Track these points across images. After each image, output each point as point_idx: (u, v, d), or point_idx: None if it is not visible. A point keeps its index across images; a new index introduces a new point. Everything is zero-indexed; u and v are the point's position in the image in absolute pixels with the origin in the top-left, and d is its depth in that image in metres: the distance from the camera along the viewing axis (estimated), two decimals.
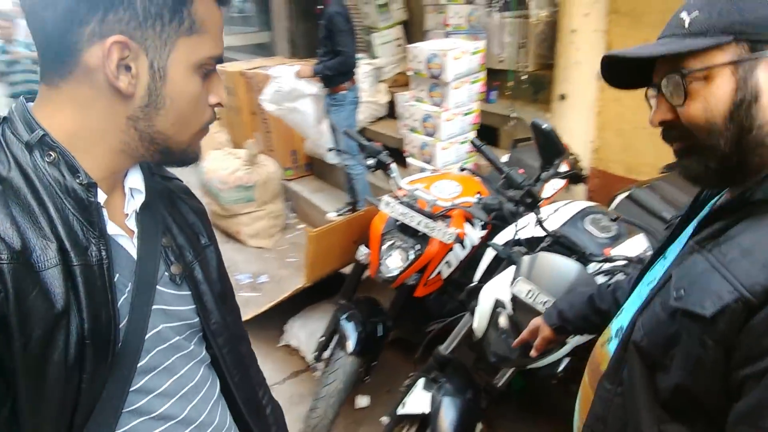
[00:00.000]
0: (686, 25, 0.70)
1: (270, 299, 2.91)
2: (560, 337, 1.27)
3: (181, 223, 0.82)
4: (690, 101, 0.70)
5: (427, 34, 4.27)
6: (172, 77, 0.64)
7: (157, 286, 0.72)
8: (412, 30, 4.93)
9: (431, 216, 1.99)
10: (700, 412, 0.70)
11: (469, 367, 1.96)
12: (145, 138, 0.66)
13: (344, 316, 2.23)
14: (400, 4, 4.71)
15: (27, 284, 0.55)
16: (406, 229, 2.06)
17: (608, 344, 0.93)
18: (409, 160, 3.45)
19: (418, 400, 1.79)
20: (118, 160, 0.68)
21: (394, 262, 2.07)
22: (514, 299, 1.48)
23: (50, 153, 0.61)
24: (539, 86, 3.69)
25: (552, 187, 2.58)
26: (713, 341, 0.65)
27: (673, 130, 0.75)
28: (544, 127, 1.43)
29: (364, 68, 4.32)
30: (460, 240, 2.05)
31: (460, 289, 2.38)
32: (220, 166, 4.10)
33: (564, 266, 1.48)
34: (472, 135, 3.36)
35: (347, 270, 2.92)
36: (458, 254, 2.19)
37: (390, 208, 1.98)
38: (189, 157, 0.72)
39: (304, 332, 2.85)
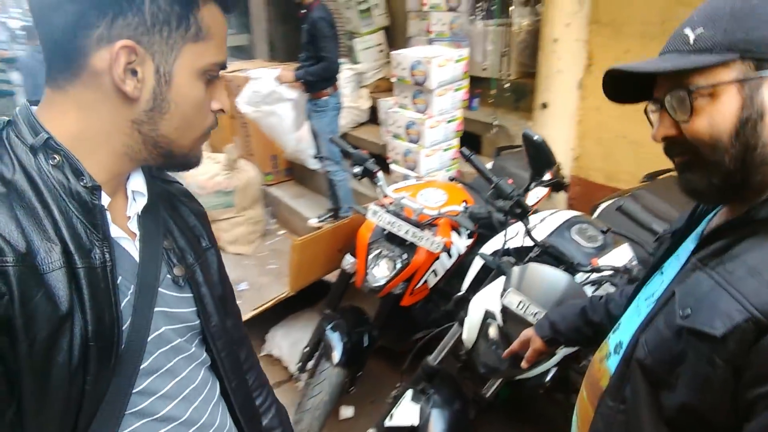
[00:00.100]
0: (691, 41, 0.70)
1: (250, 307, 2.84)
2: (551, 348, 1.27)
3: (182, 226, 0.82)
4: (695, 117, 0.70)
5: (409, 41, 4.28)
6: (178, 82, 0.65)
7: (159, 289, 0.72)
8: (394, 36, 4.94)
9: (418, 225, 1.97)
10: (707, 431, 0.70)
11: (457, 378, 1.95)
12: (149, 141, 0.67)
13: (329, 326, 2.19)
14: (382, 10, 4.71)
15: (31, 286, 0.55)
16: (393, 238, 2.04)
17: (607, 360, 0.93)
18: (392, 166, 3.43)
19: (406, 412, 1.77)
20: (121, 164, 0.68)
21: (381, 272, 2.05)
22: (505, 310, 1.47)
23: (54, 156, 0.62)
24: (521, 94, 3.73)
25: (535, 195, 2.60)
26: (722, 361, 0.65)
27: (676, 145, 0.75)
28: (535, 138, 1.43)
29: (345, 73, 4.30)
30: (447, 249, 2.04)
31: (446, 298, 2.37)
32: (198, 171, 3.98)
33: (554, 277, 1.48)
34: (456, 142, 3.36)
35: (330, 277, 2.89)
36: (445, 263, 2.18)
37: (377, 217, 1.95)
38: (191, 161, 0.73)
39: (287, 342, 2.80)
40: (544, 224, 1.88)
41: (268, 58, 5.79)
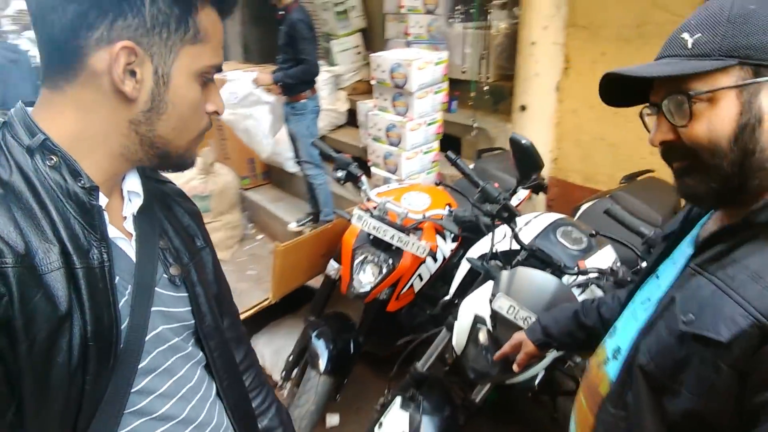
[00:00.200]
0: (689, 46, 0.70)
1: None
2: (543, 352, 1.27)
3: (177, 226, 0.83)
4: (694, 122, 0.70)
5: (387, 43, 4.27)
6: (175, 84, 0.65)
7: (156, 288, 0.73)
8: (371, 38, 4.92)
9: (403, 229, 1.96)
10: None
11: (445, 383, 1.94)
12: (146, 142, 0.67)
13: (314, 333, 2.16)
14: (358, 12, 4.69)
15: (31, 287, 0.56)
16: (378, 243, 2.02)
17: (605, 366, 0.92)
18: (373, 169, 3.41)
19: (396, 420, 1.75)
20: (117, 164, 0.68)
21: (366, 277, 2.02)
22: (495, 315, 1.47)
23: (51, 157, 0.62)
24: (499, 97, 3.76)
25: (517, 197, 2.61)
26: (727, 366, 0.65)
27: (674, 150, 0.75)
28: (523, 142, 1.43)
29: (323, 76, 4.25)
30: (432, 253, 2.03)
31: (431, 302, 2.36)
32: (173, 175, 3.89)
33: (543, 281, 1.48)
34: (436, 145, 3.37)
35: (313, 283, 2.85)
36: (430, 267, 2.17)
37: (362, 222, 1.93)
38: (186, 162, 0.74)
39: (269, 349, 2.75)
40: (529, 227, 1.88)
41: (243, 60, 5.71)
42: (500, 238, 1.69)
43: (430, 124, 3.23)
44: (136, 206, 0.74)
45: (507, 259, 1.69)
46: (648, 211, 2.18)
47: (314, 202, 3.76)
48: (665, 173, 2.80)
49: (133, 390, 0.68)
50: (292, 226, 3.90)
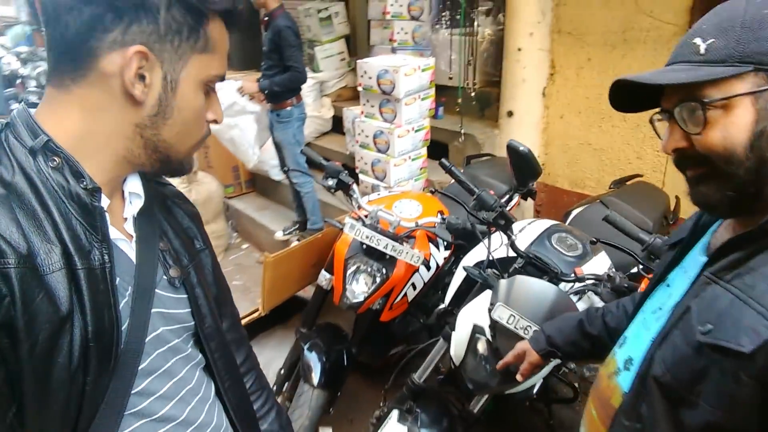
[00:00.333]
0: (701, 52, 0.68)
1: None
2: (547, 361, 1.26)
3: (177, 228, 0.83)
4: (708, 130, 0.68)
5: (372, 49, 4.25)
6: (182, 90, 0.67)
7: (156, 290, 0.73)
8: (355, 44, 4.90)
9: (396, 238, 1.93)
10: None
11: (442, 394, 1.91)
12: (150, 146, 0.68)
13: (306, 345, 2.11)
14: (342, 18, 4.66)
15: (33, 288, 0.56)
16: (371, 253, 1.98)
17: (616, 377, 0.90)
18: (361, 177, 3.38)
19: None
20: (120, 167, 0.69)
21: (360, 288, 1.99)
22: (494, 325, 1.45)
23: (54, 158, 0.62)
24: (485, 103, 3.77)
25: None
26: (749, 377, 0.63)
27: (688, 158, 0.73)
28: (521, 149, 1.42)
29: (307, 82, 4.21)
30: (425, 262, 2.01)
31: (424, 311, 2.34)
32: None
33: (542, 289, 1.47)
34: (424, 151, 3.35)
35: (303, 293, 2.80)
36: (423, 276, 2.14)
37: (355, 231, 1.89)
38: (184, 167, 0.75)
39: (259, 362, 2.68)
40: (524, 234, 1.87)
41: None
42: (496, 246, 1.67)
43: (417, 131, 3.21)
44: (136, 208, 0.74)
45: (503, 266, 1.68)
46: (638, 215, 2.19)
47: (301, 211, 3.71)
48: (653, 177, 2.83)
49: (133, 391, 0.69)
50: (279, 235, 3.84)
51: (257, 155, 3.99)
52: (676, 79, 0.70)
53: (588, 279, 1.60)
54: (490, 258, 1.65)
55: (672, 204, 2.46)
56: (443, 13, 3.79)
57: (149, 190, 0.77)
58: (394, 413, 1.76)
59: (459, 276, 1.92)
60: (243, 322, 2.48)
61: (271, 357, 2.67)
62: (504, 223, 1.58)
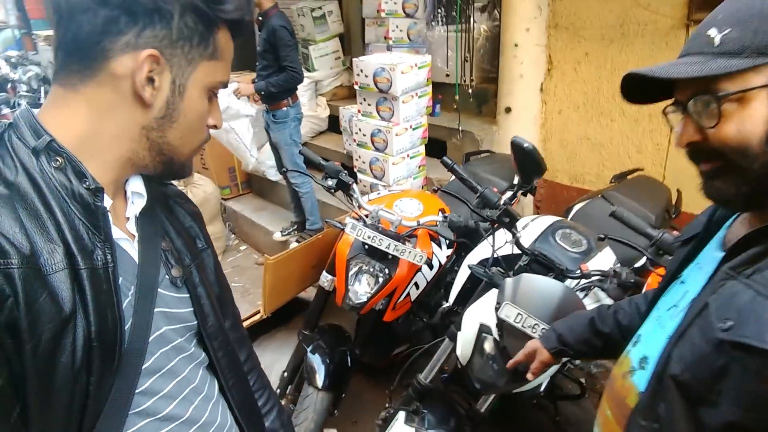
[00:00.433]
0: (716, 43, 0.66)
1: None
2: (558, 360, 1.24)
3: (178, 227, 0.84)
4: (722, 123, 0.66)
5: (367, 48, 4.22)
6: (189, 95, 0.68)
7: (158, 289, 0.73)
8: (350, 42, 4.88)
9: (398, 237, 1.91)
10: None
11: (448, 394, 1.89)
12: (155, 148, 0.69)
13: (309, 348, 2.09)
14: (336, 17, 4.63)
15: (36, 288, 0.56)
16: (373, 253, 1.96)
17: (631, 376, 0.88)
18: (360, 176, 3.36)
19: None
20: (123, 168, 0.70)
21: (362, 288, 1.97)
22: (501, 324, 1.43)
23: (57, 158, 0.63)
24: (482, 99, 3.75)
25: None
26: None
27: (701, 151, 0.71)
28: (525, 145, 1.40)
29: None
30: (428, 261, 1.99)
31: (427, 310, 2.32)
32: None
33: (549, 287, 1.45)
34: (422, 149, 3.33)
35: (304, 294, 2.78)
36: (426, 275, 2.12)
37: (357, 231, 1.87)
38: (185, 171, 0.76)
39: (261, 364, 2.66)
40: (527, 231, 1.85)
41: None
42: (501, 244, 1.65)
43: (415, 129, 3.19)
44: (139, 207, 0.75)
45: (508, 264, 1.66)
46: (640, 209, 2.18)
47: (299, 211, 3.69)
48: (653, 171, 2.83)
49: (137, 391, 0.69)
50: (277, 236, 3.81)
51: (255, 158, 3.97)
52: (687, 73, 0.67)
53: (594, 275, 1.59)
54: (495, 256, 1.64)
55: (674, 198, 2.45)
56: (438, 10, 3.77)
57: (151, 190, 0.78)
58: (401, 415, 1.74)
59: (463, 274, 1.91)
60: (244, 324, 2.48)
61: (273, 359, 2.64)
62: (509, 220, 1.56)
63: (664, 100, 0.79)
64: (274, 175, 4.08)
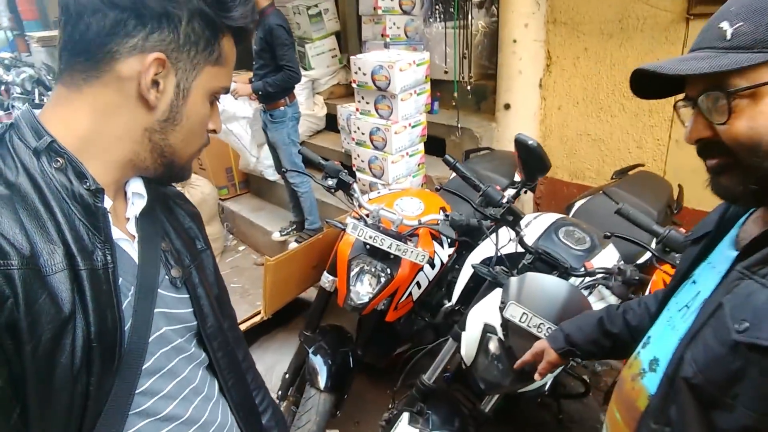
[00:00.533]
0: (728, 37, 0.64)
1: None
2: (565, 360, 1.22)
3: (178, 228, 0.84)
4: (733, 120, 0.65)
5: (364, 45, 4.19)
6: (192, 99, 0.69)
7: (158, 290, 0.73)
8: (346, 40, 4.85)
9: (399, 237, 1.89)
10: None
11: (450, 393, 1.87)
12: (156, 150, 0.70)
13: (311, 349, 2.07)
14: (332, 15, 4.60)
15: (36, 289, 0.56)
16: (374, 253, 1.94)
17: (641, 378, 0.87)
18: (359, 175, 3.33)
19: None
20: (123, 170, 0.70)
21: (364, 288, 1.95)
22: (506, 324, 1.41)
23: (58, 159, 0.63)
24: (481, 96, 3.73)
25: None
26: None
27: (710, 147, 0.70)
28: (530, 143, 1.38)
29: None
30: (430, 260, 1.97)
31: (428, 309, 2.30)
32: None
33: (554, 286, 1.43)
34: (421, 147, 3.31)
35: (303, 294, 2.76)
36: (428, 274, 2.10)
37: (358, 232, 1.85)
38: (184, 174, 0.77)
39: (261, 366, 2.61)
40: (530, 228, 1.84)
41: None
42: (505, 243, 1.64)
43: (414, 126, 3.17)
44: (139, 208, 0.75)
45: (511, 262, 1.64)
46: (642, 205, 2.17)
47: (298, 211, 3.66)
48: (654, 166, 2.82)
49: (137, 391, 0.69)
50: (276, 236, 3.79)
51: (256, 157, 3.94)
52: (696, 69, 0.66)
53: (598, 273, 1.58)
54: (499, 255, 1.62)
55: (675, 193, 2.44)
56: (436, 6, 3.74)
57: (151, 191, 0.78)
58: (405, 416, 1.73)
59: (466, 274, 1.89)
60: (244, 325, 2.47)
61: (274, 360, 2.63)
62: (512, 218, 1.55)
63: (676, 94, 0.77)
64: (272, 174, 4.05)
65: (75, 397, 0.61)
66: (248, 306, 3.22)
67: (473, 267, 1.62)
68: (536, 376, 1.22)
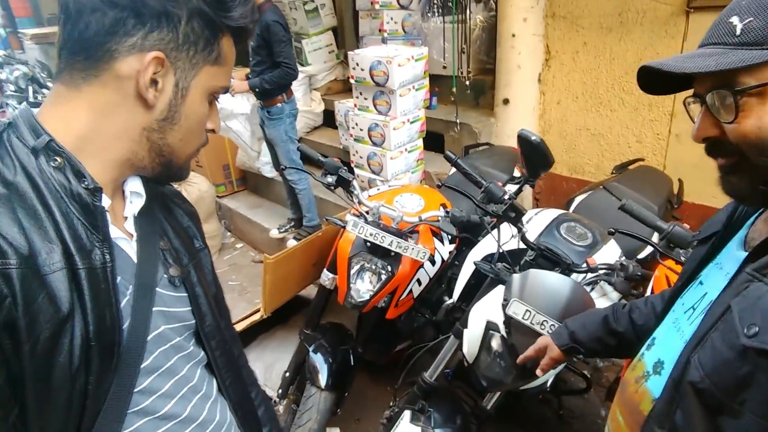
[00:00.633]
0: (737, 33, 0.63)
1: None
2: (569, 357, 1.21)
3: (177, 227, 0.84)
4: (741, 118, 0.63)
5: (361, 40, 4.17)
6: (191, 98, 0.69)
7: (157, 288, 0.73)
8: (343, 36, 4.81)
9: (399, 234, 1.88)
10: None
11: (453, 391, 1.87)
12: (155, 149, 0.70)
13: (312, 347, 2.06)
14: (329, 10, 4.57)
15: (34, 288, 0.56)
16: (375, 250, 1.93)
17: (645, 381, 0.85)
18: (357, 171, 3.32)
19: None
20: (121, 169, 0.70)
21: (365, 286, 1.93)
22: (509, 321, 1.40)
23: (56, 158, 0.63)
24: (480, 91, 3.71)
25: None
26: None
27: (718, 146, 0.68)
28: (532, 139, 1.37)
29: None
30: (431, 257, 1.96)
31: (429, 306, 2.29)
32: None
33: (557, 283, 1.42)
34: (420, 143, 3.29)
35: (303, 292, 2.75)
36: (429, 271, 2.09)
37: (358, 229, 1.84)
38: (182, 174, 0.77)
39: (261, 364, 2.63)
40: (532, 225, 1.83)
41: None
42: (507, 239, 1.62)
43: (413, 122, 3.15)
44: (137, 207, 0.75)
45: (513, 259, 1.63)
46: (643, 200, 2.16)
47: (296, 208, 3.64)
48: (654, 161, 2.81)
49: (135, 390, 0.69)
50: (274, 233, 3.77)
51: (258, 152, 3.92)
52: (703, 66, 0.64)
53: (601, 269, 1.57)
54: (500, 251, 1.61)
55: (675, 187, 2.43)
56: (434, 1, 3.72)
57: (149, 190, 0.78)
58: (407, 413, 1.72)
59: (467, 271, 1.88)
60: (244, 323, 2.45)
61: (274, 358, 2.61)
62: (515, 215, 1.53)
63: (685, 90, 0.76)
64: (269, 171, 4.03)
65: (73, 396, 0.61)
66: (246, 303, 3.21)
67: (475, 264, 1.61)
68: (538, 371, 1.21)
